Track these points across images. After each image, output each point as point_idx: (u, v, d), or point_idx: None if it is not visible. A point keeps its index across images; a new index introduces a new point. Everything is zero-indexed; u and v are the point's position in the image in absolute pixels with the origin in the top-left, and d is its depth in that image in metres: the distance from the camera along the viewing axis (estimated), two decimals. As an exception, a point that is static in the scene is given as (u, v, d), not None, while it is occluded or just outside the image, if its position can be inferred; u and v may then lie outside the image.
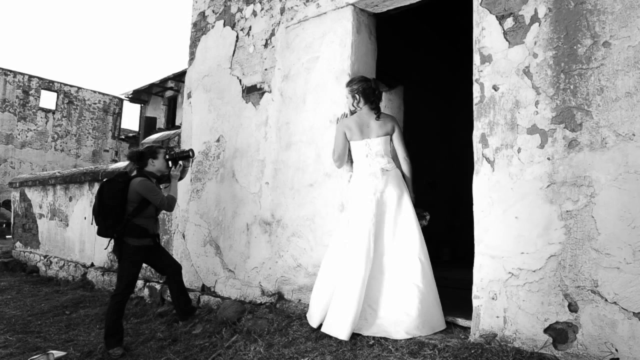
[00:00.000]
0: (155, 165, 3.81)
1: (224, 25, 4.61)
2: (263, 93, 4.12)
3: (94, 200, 3.79)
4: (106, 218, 3.58)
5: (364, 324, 2.85)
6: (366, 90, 3.19)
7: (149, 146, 4.02)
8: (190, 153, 3.95)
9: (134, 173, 3.82)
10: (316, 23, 3.73)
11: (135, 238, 3.61)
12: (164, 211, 4.26)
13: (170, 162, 3.90)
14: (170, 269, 3.88)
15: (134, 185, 3.63)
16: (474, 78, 2.79)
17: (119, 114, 24.42)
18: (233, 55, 4.46)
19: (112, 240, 3.65)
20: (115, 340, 3.50)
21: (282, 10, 4.03)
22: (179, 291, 3.88)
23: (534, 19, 2.57)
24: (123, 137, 23.74)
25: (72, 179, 7.08)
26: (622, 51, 2.27)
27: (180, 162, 3.92)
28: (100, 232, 3.65)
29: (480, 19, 2.80)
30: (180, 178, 4.01)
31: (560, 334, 2.32)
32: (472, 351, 2.40)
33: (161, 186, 3.92)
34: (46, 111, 21.80)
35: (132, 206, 3.63)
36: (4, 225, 15.59)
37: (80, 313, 4.72)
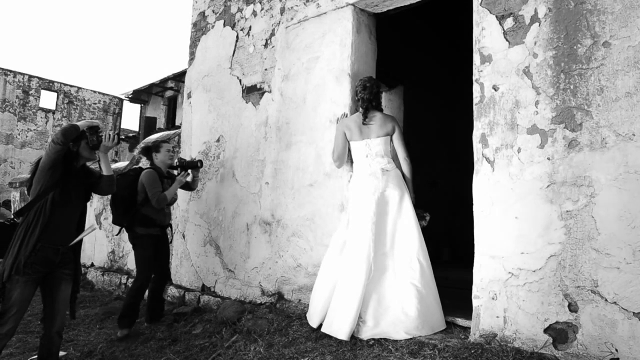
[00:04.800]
0: (158, 158, 4.04)
1: (224, 25, 4.61)
2: (263, 93, 4.12)
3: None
4: (117, 207, 3.92)
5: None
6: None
7: (154, 140, 4.29)
8: (199, 164, 4.14)
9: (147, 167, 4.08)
10: (316, 23, 3.73)
11: (142, 227, 3.86)
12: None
13: (179, 169, 4.09)
14: (160, 269, 4.05)
15: (141, 176, 3.89)
16: (474, 78, 2.79)
17: (119, 114, 24.42)
18: (233, 55, 4.46)
19: (123, 229, 3.98)
20: (126, 322, 3.76)
21: (282, 10, 4.03)
22: (157, 296, 4.07)
23: (534, 19, 2.57)
24: (123, 137, 23.72)
25: (72, 179, 7.07)
26: (622, 51, 2.27)
27: (189, 171, 4.12)
28: (114, 221, 4.04)
29: (480, 19, 2.80)
30: (192, 188, 4.31)
31: (560, 334, 2.32)
32: (472, 351, 2.40)
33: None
34: (46, 111, 21.80)
35: (140, 196, 3.88)
36: (4, 225, 15.58)
37: (80, 313, 4.71)
